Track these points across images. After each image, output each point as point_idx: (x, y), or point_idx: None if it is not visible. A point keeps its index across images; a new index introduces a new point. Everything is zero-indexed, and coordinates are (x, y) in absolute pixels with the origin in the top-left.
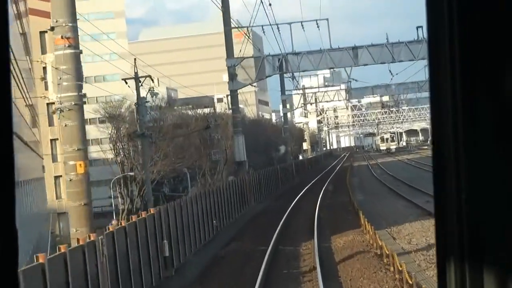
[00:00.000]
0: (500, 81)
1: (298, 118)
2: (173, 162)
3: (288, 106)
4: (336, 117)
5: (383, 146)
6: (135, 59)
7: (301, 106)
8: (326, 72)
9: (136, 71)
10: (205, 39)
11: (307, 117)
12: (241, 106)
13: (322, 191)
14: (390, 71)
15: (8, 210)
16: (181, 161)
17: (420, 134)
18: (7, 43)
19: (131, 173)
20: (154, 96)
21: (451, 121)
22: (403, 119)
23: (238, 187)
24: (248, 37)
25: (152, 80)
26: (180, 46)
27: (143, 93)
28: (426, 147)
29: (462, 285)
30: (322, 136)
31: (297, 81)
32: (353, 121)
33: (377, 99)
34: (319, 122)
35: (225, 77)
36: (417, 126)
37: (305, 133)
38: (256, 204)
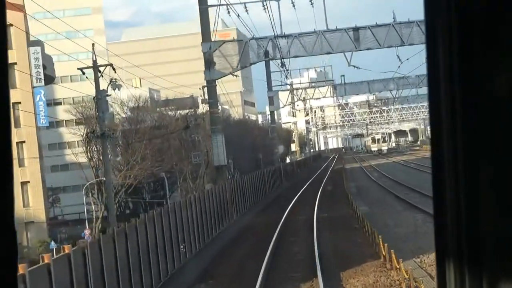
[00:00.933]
0: (499, 80)
1: (285, 118)
2: (151, 166)
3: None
4: (324, 117)
5: (374, 147)
6: (93, 44)
7: (289, 104)
8: (314, 71)
9: (94, 59)
10: (188, 39)
11: (295, 116)
12: (226, 107)
13: (318, 199)
14: (398, 56)
15: (7, 210)
16: (159, 164)
17: (409, 134)
18: (5, 43)
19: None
20: (117, 89)
21: (450, 121)
22: (394, 119)
23: (217, 196)
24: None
25: (114, 70)
26: (163, 47)
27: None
28: (417, 147)
29: (461, 285)
30: (310, 137)
31: (287, 69)
32: (342, 121)
33: (366, 97)
34: (307, 122)
35: None
36: (406, 126)
37: (293, 133)
38: (239, 218)
